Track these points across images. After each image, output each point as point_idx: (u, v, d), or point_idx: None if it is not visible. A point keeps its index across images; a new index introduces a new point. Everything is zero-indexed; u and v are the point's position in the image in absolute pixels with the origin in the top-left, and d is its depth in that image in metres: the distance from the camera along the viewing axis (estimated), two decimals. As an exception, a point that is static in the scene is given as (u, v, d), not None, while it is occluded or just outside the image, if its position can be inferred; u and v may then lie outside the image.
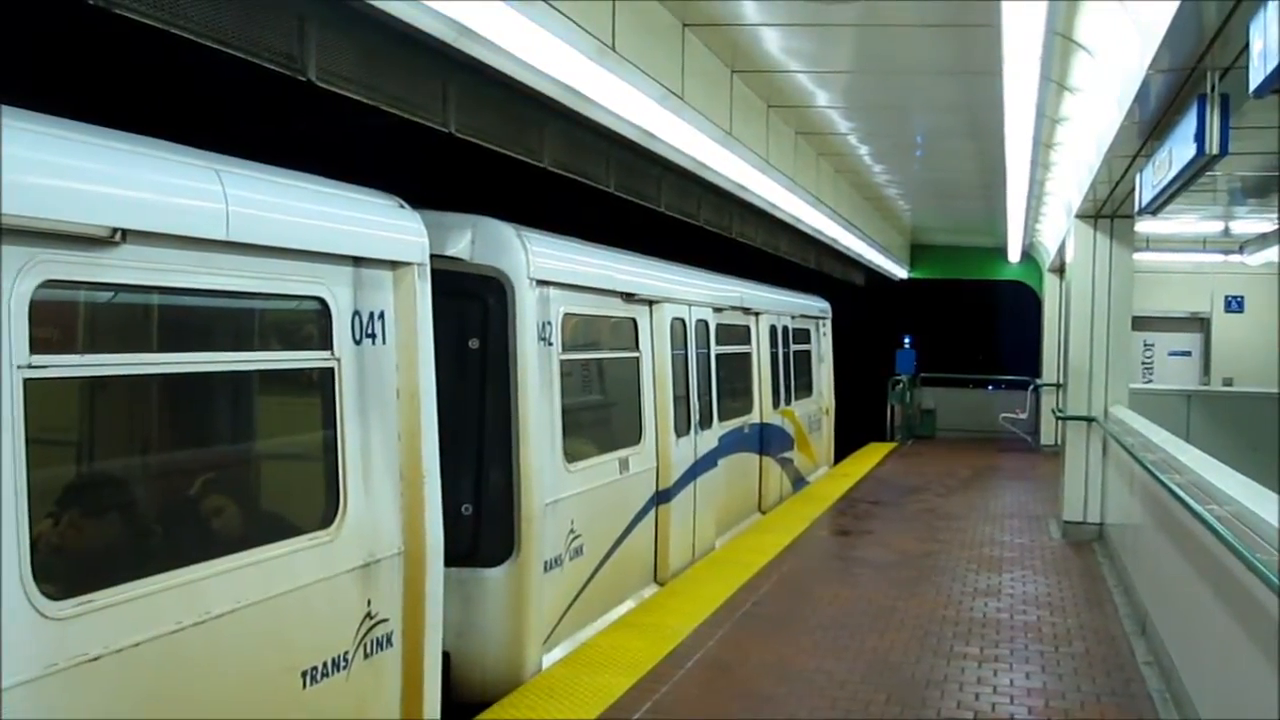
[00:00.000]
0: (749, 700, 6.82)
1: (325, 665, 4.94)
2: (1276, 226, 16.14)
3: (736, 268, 13.29)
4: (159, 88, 5.96)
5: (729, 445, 11.99)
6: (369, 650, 5.25)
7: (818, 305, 17.90)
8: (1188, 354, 21.86)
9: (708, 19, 8.20)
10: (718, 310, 11.71)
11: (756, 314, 13.62)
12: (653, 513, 9.47)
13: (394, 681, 5.45)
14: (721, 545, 11.38)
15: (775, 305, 14.70)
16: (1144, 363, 21.68)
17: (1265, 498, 5.32)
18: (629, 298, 9.02)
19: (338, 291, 5.10)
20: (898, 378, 23.79)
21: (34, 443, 3.52)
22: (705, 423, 10.97)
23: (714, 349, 11.45)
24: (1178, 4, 4.86)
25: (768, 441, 13.97)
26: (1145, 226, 16.28)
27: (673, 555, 9.80)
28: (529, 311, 7.12)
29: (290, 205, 4.88)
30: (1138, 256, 13.73)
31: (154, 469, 4.74)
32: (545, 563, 7.27)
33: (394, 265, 5.53)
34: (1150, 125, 7.46)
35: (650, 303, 9.47)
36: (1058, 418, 14.09)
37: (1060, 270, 19.55)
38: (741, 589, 9.53)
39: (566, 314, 7.81)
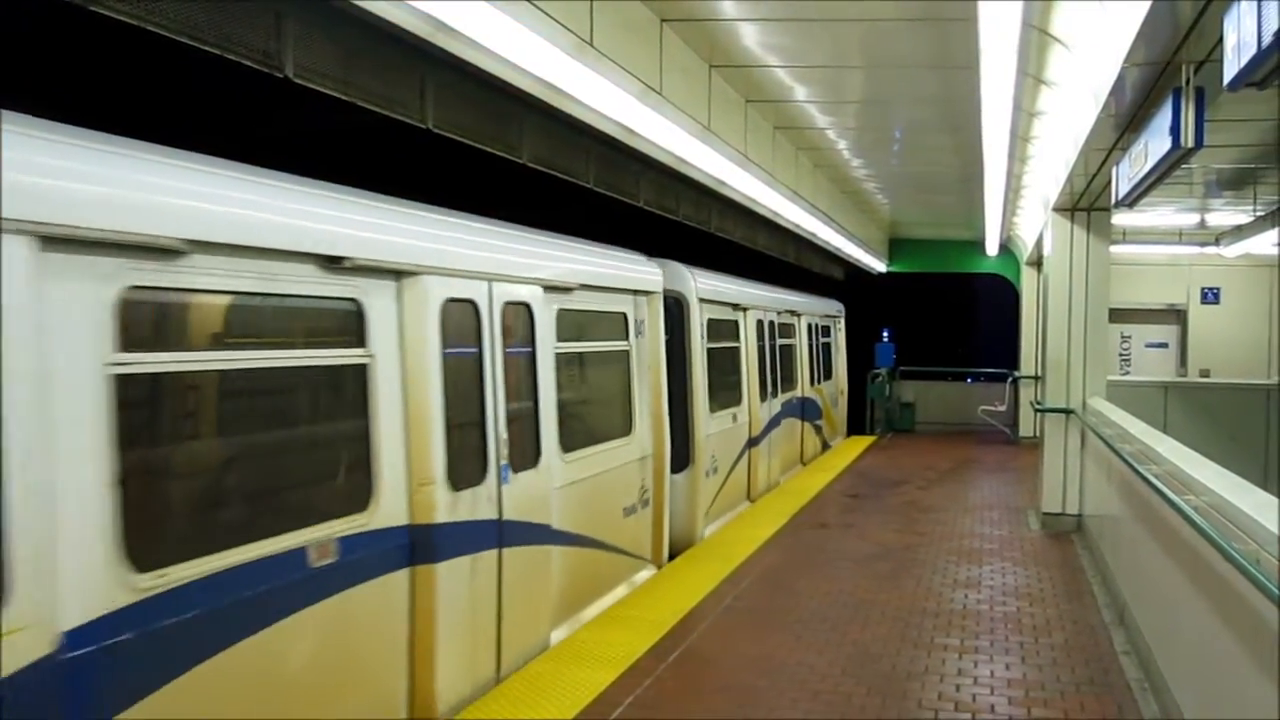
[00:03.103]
0: (731, 693, 6.84)
1: (628, 508, 9.49)
2: (1252, 219, 16.25)
3: (767, 275, 16.67)
4: (132, 85, 5.94)
5: (785, 412, 16.33)
6: (642, 505, 9.80)
7: (836, 307, 22.00)
8: (1165, 346, 22.00)
9: (686, 14, 8.20)
10: (778, 313, 16.01)
11: (799, 315, 17.76)
12: (748, 452, 13.82)
13: (649, 523, 10.02)
14: (784, 481, 15.86)
15: (810, 308, 18.95)
16: (1121, 354, 21.82)
17: (1242, 488, 5.36)
18: (736, 307, 13.43)
19: (632, 309, 9.78)
20: (877, 371, 23.86)
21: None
22: (773, 394, 15.44)
23: (777, 341, 15.86)
24: (1152, -2, 4.90)
25: (807, 411, 18.21)
26: (1122, 219, 16.42)
27: (759, 483, 14.39)
28: (695, 318, 11.58)
29: (617, 265, 9.54)
30: (1115, 249, 13.80)
31: (589, 405, 9.37)
32: (705, 471, 11.67)
33: (647, 294, 10.05)
34: (1126, 119, 7.50)
35: (745, 310, 13.77)
36: (1036, 410, 14.17)
37: (1038, 263, 19.68)
38: (723, 582, 9.56)
39: (709, 319, 12.10)
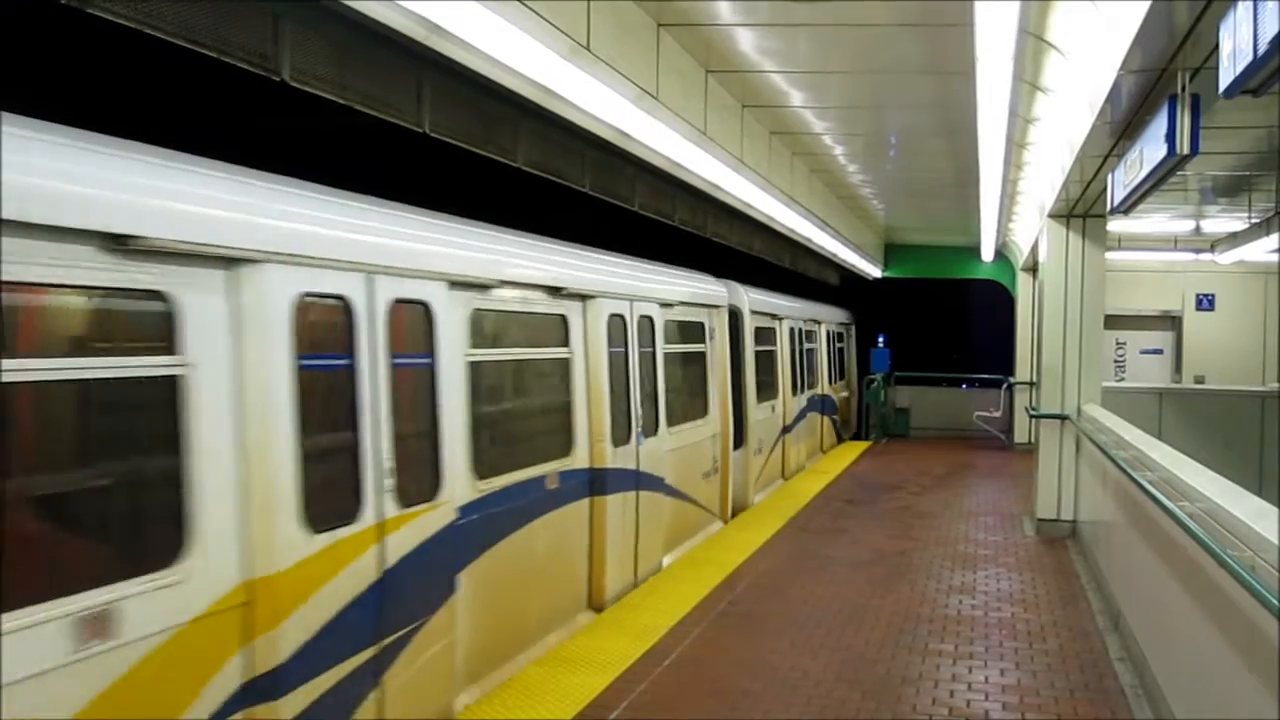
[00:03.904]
0: (725, 698, 6.83)
1: (704, 473, 12.13)
2: (1247, 225, 16.27)
3: (783, 285, 18.39)
4: (127, 87, 5.94)
5: (809, 406, 19.10)
6: (714, 473, 12.51)
7: (847, 315, 24.59)
8: (1159, 352, 22.02)
9: (682, 19, 8.20)
10: (804, 321, 18.77)
11: (820, 323, 20.51)
12: (782, 438, 16.66)
13: (718, 487, 12.74)
14: (809, 465, 18.62)
15: (829, 317, 21.72)
16: (1116, 361, 21.84)
17: (1237, 495, 5.36)
18: (774, 317, 16.19)
19: (707, 319, 12.41)
20: (872, 377, 23.88)
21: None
22: (801, 390, 18.20)
23: (804, 345, 18.67)
24: (1149, 5, 4.90)
25: (825, 406, 20.91)
26: (1117, 225, 16.43)
27: (791, 464, 17.23)
28: (748, 327, 14.44)
29: (699, 286, 12.15)
30: (1110, 255, 13.82)
31: (683, 393, 11.54)
32: (754, 450, 14.58)
33: (715, 307, 12.70)
34: (1122, 125, 7.51)
35: (781, 319, 16.65)
36: (1031, 416, 14.17)
37: (1033, 269, 19.63)
38: (718, 587, 9.55)
39: (756, 327, 14.86)
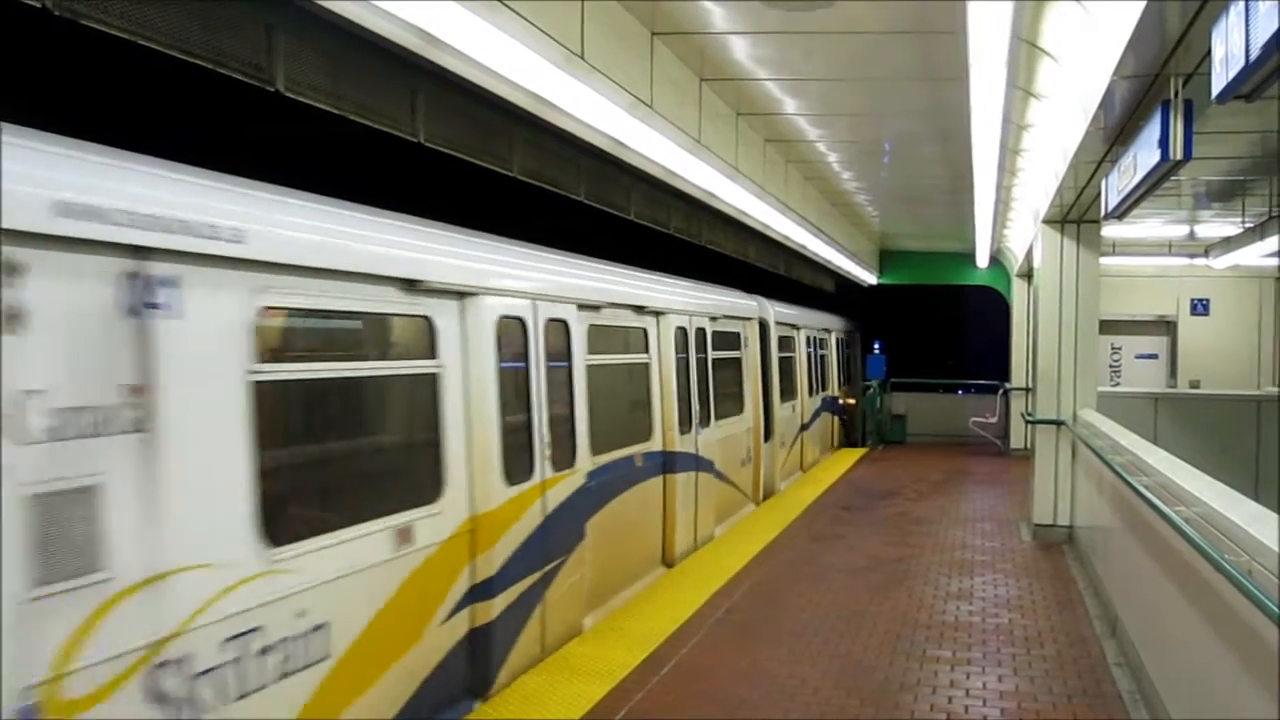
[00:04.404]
0: (723, 706, 6.82)
1: (742, 461, 13.97)
2: (1241, 230, 16.29)
3: (784, 294, 19.20)
4: (119, 95, 5.94)
5: (822, 407, 20.86)
6: (749, 461, 14.32)
7: (853, 324, 25.72)
8: (1155, 357, 22.04)
9: (676, 27, 8.21)
10: (818, 330, 20.76)
11: (830, 331, 22.25)
12: (801, 434, 18.48)
13: (751, 473, 14.46)
14: (822, 459, 20.42)
15: (837, 326, 23.07)
16: (1112, 366, 21.85)
17: (1233, 499, 5.36)
18: (793, 327, 17.89)
19: (744, 330, 14.22)
20: (868, 383, 23.89)
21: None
22: (816, 392, 20.24)
23: (818, 351, 20.72)
24: (1141, 10, 4.91)
25: (835, 408, 22.50)
26: (1111, 231, 16.44)
27: (808, 458, 19.09)
28: (774, 336, 16.17)
29: (736, 301, 14.22)
30: (1104, 261, 13.83)
31: (724, 392, 13.09)
32: (779, 444, 16.39)
33: (748, 320, 14.44)
34: (1115, 131, 7.53)
35: (799, 329, 18.28)
36: (1027, 421, 14.17)
37: (1028, 275, 19.69)
38: (715, 595, 9.55)
39: (780, 336, 16.73)
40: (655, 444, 10.45)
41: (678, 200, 11.74)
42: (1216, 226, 17.28)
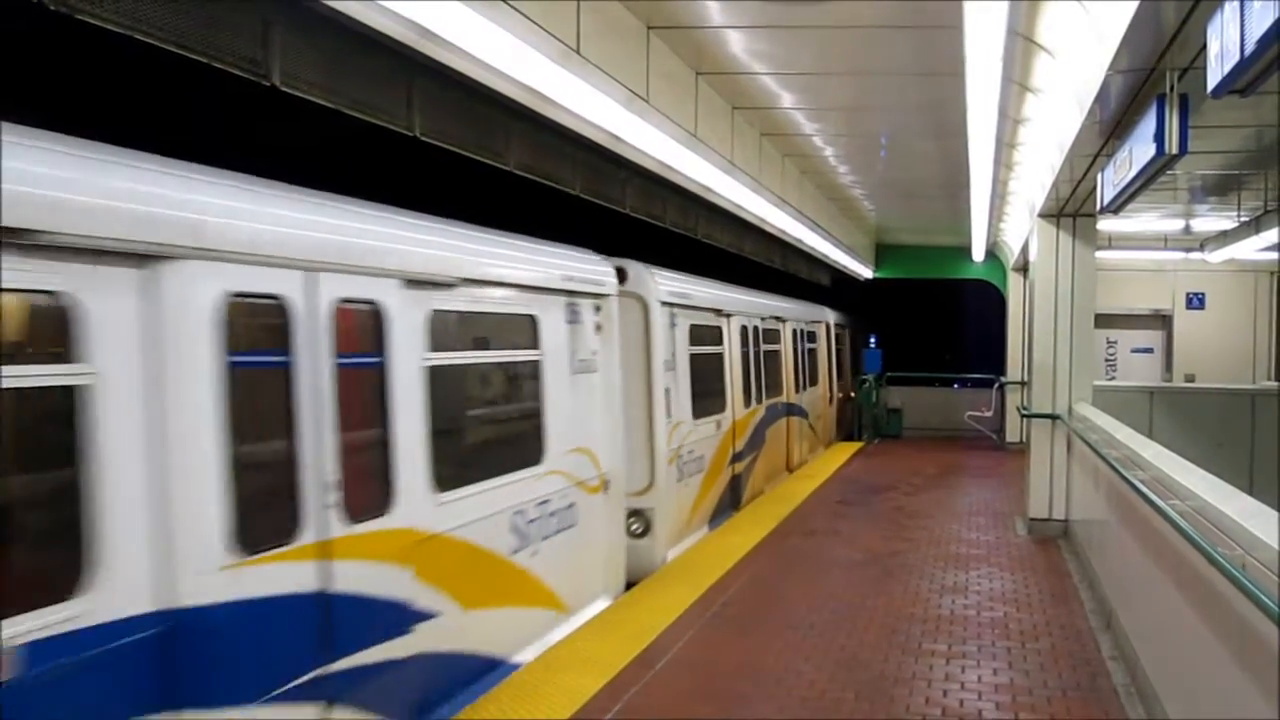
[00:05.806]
0: (719, 700, 6.84)
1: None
2: (1236, 224, 16.32)
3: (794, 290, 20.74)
4: (119, 92, 5.93)
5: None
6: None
7: (853, 319, 26.04)
8: (1150, 351, 22.08)
9: (672, 21, 8.21)
10: (837, 327, 22.87)
11: (845, 328, 23.97)
12: (825, 410, 21.73)
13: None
14: (837, 443, 22.78)
15: (837, 320, 23.29)
16: (1107, 360, 21.89)
17: (1228, 493, 5.38)
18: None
19: (782, 328, 17.70)
20: (864, 377, 23.92)
21: None
22: (836, 379, 22.83)
23: (836, 346, 22.87)
24: (1136, 5, 4.92)
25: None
26: (1107, 225, 16.46)
27: (828, 434, 21.97)
28: (803, 332, 19.54)
29: (779, 305, 17.76)
30: (1100, 254, 13.84)
31: (769, 378, 16.67)
32: (816, 415, 20.66)
33: (784, 320, 18.01)
34: (1111, 125, 7.54)
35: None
36: (1023, 415, 14.20)
37: (1024, 269, 19.70)
38: (711, 589, 9.56)
39: (807, 332, 20.17)
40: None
41: (674, 194, 11.74)
42: (1212, 221, 17.31)
